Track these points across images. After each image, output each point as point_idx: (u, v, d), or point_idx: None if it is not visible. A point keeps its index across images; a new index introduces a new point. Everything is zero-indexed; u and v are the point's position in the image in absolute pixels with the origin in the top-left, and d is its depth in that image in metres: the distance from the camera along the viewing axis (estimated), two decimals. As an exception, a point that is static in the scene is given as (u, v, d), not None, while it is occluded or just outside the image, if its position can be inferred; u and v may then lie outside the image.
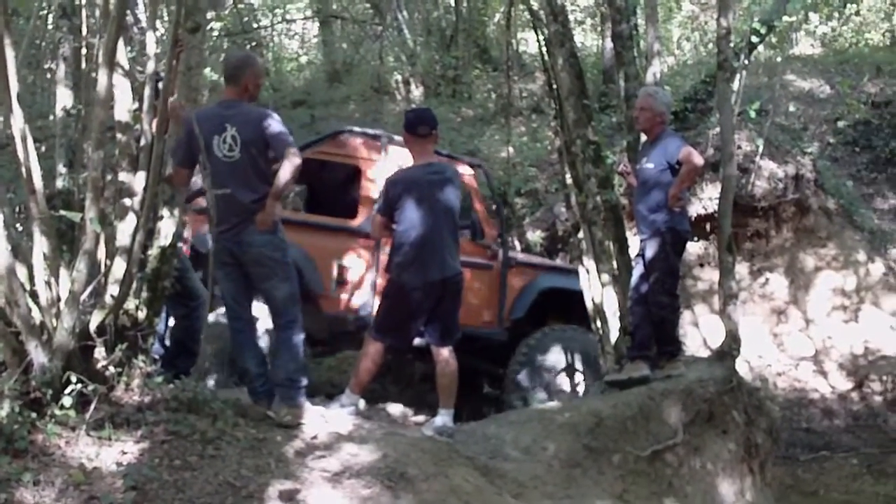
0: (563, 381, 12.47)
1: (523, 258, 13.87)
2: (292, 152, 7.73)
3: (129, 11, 12.14)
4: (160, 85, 7.91)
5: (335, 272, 12.22)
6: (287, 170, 7.69)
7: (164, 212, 7.77)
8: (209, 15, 20.01)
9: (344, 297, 12.28)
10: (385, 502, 6.66)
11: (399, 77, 27.72)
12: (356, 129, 13.01)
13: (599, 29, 26.48)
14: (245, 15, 27.14)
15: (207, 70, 17.29)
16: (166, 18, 15.26)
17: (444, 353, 8.58)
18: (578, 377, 12.49)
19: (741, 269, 18.02)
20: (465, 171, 12.74)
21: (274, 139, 7.83)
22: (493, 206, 13.16)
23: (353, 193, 12.79)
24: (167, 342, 9.59)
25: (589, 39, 30.78)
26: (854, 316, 18.12)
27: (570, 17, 28.54)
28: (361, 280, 12.37)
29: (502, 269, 12.70)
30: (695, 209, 17.23)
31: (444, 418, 8.47)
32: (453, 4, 28.07)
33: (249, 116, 7.91)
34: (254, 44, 26.88)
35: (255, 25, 28.36)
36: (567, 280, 12.96)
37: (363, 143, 12.62)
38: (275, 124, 7.89)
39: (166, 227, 7.76)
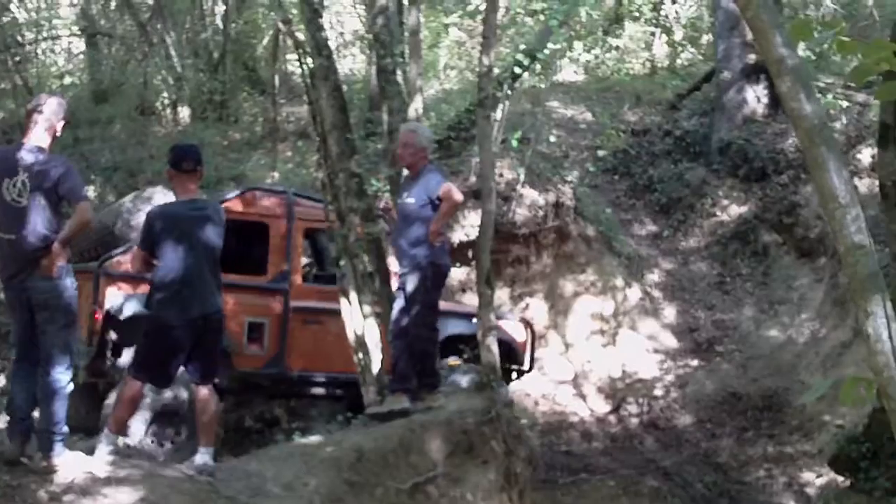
0: None
1: None
2: (84, 206, 7.77)
3: None
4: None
5: (246, 329, 12.75)
6: (76, 221, 7.74)
7: None
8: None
9: (255, 353, 12.82)
10: (141, 547, 6.62)
11: (166, 99, 27.43)
12: (264, 186, 13.34)
13: (368, 54, 26.57)
14: (9, 31, 26.43)
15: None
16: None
17: (204, 391, 8.57)
18: None
19: (502, 294, 18.28)
20: None
21: (67, 192, 7.78)
22: None
23: (262, 251, 13.17)
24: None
25: (358, 63, 30.88)
26: (612, 340, 18.54)
27: (339, 40, 28.72)
28: (272, 336, 12.84)
29: None
30: (457, 236, 17.45)
31: (204, 457, 8.43)
32: (221, 27, 27.87)
33: (43, 165, 7.80)
34: (18, 59, 26.19)
35: (19, 41, 27.61)
36: (466, 325, 13.40)
37: (270, 200, 12.92)
38: (68, 176, 7.82)
39: None
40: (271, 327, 12.91)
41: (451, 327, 13.43)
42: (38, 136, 7.94)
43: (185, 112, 26.89)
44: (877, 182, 13.32)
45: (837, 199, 3.70)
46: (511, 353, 14.25)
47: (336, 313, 11.84)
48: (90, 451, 8.20)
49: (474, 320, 13.47)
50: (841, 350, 16.32)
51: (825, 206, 3.80)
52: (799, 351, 17.49)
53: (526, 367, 14.64)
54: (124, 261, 11.79)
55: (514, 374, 14.63)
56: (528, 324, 15.00)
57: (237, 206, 12.98)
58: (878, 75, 4.44)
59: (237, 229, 13.48)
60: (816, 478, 14.67)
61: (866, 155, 19.46)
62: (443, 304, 14.25)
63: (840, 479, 12.75)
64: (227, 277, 12.63)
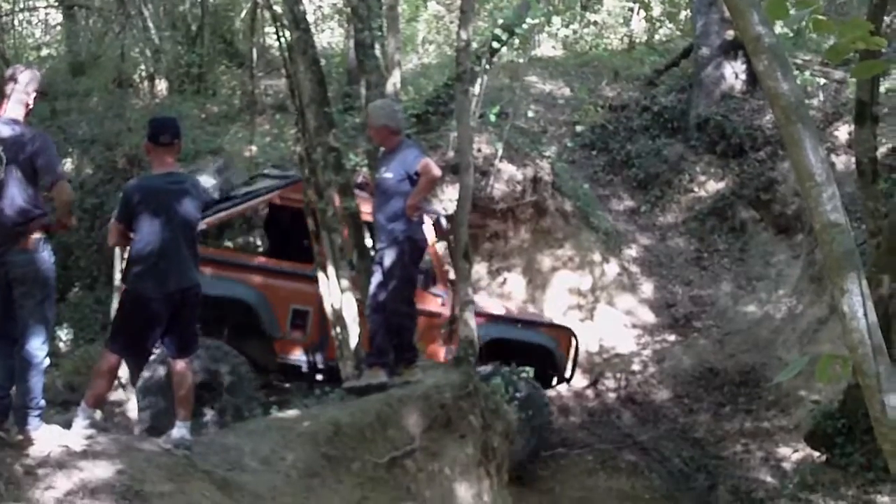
0: None
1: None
2: (62, 186, 7.68)
3: None
4: None
5: (290, 316, 12.91)
6: (60, 203, 7.68)
7: None
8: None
9: (298, 340, 12.98)
10: (118, 521, 6.60)
11: (143, 71, 27.27)
12: None
13: (346, 27, 26.47)
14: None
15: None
16: None
17: (181, 365, 8.52)
18: None
19: (480, 268, 18.28)
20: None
21: (42, 166, 7.66)
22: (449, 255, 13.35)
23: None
24: None
25: (336, 37, 30.76)
26: (590, 315, 18.59)
27: (317, 13, 28.58)
28: (315, 324, 12.93)
29: (451, 317, 13.11)
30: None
31: (181, 430, 8.39)
32: (199, -1, 27.71)
33: (18, 138, 7.68)
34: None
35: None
36: (509, 330, 13.83)
37: None
38: (45, 149, 7.70)
39: None
40: (315, 315, 12.94)
41: (494, 332, 13.70)
42: (13, 109, 7.87)
43: (162, 85, 26.70)
44: (853, 159, 13.38)
45: (813, 177, 3.72)
46: (552, 361, 14.40)
47: None
48: (67, 425, 8.15)
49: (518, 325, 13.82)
50: (817, 326, 16.41)
51: (801, 183, 3.82)
52: (776, 327, 17.57)
53: (567, 374, 14.70)
54: None
55: (553, 381, 14.79)
56: (572, 332, 15.00)
57: (290, 193, 13.05)
58: (854, 53, 4.44)
59: (289, 216, 13.60)
60: (792, 453, 14.76)
61: (843, 132, 19.51)
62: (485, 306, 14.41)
63: (816, 454, 12.84)
64: (275, 264, 13.16)
